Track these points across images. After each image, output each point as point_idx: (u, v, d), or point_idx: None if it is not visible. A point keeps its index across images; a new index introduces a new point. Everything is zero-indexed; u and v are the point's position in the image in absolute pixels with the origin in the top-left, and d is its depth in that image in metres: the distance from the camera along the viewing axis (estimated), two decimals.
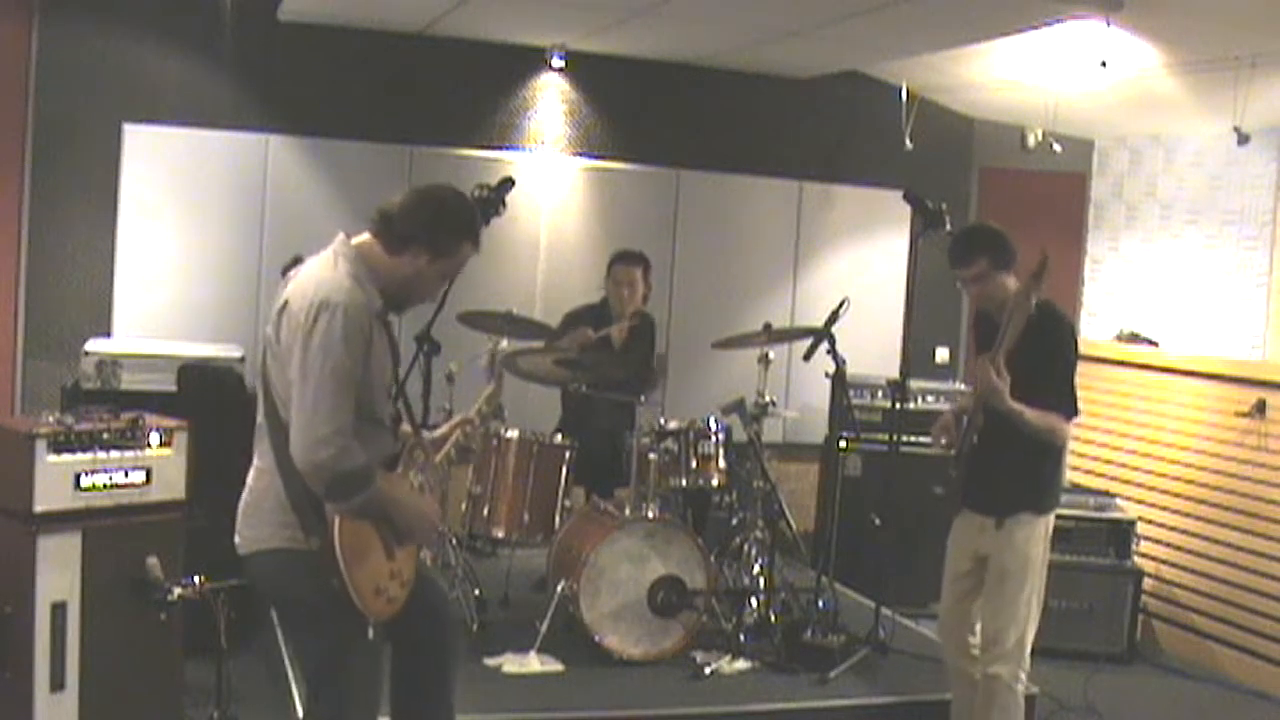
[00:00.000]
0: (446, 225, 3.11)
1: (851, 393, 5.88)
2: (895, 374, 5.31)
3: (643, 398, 5.47)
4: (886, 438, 5.95)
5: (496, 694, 4.59)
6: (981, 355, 4.10)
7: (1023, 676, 4.16)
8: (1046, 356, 4.06)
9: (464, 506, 5.42)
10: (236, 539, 3.12)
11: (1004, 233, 4.23)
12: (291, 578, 3.02)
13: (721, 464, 5.50)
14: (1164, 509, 6.24)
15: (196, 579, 3.91)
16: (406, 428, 3.27)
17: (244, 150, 6.50)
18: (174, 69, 6.41)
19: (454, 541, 5.44)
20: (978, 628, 4.25)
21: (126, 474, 4.03)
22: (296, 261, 3.16)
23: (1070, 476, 6.46)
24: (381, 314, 3.05)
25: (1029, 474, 4.14)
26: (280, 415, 2.98)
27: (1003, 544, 4.12)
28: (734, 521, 5.77)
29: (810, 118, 7.53)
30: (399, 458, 3.18)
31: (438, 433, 3.45)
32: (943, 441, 4.26)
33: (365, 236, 3.11)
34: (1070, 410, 4.12)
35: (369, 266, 3.05)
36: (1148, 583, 6.08)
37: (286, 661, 4.50)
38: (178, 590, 3.91)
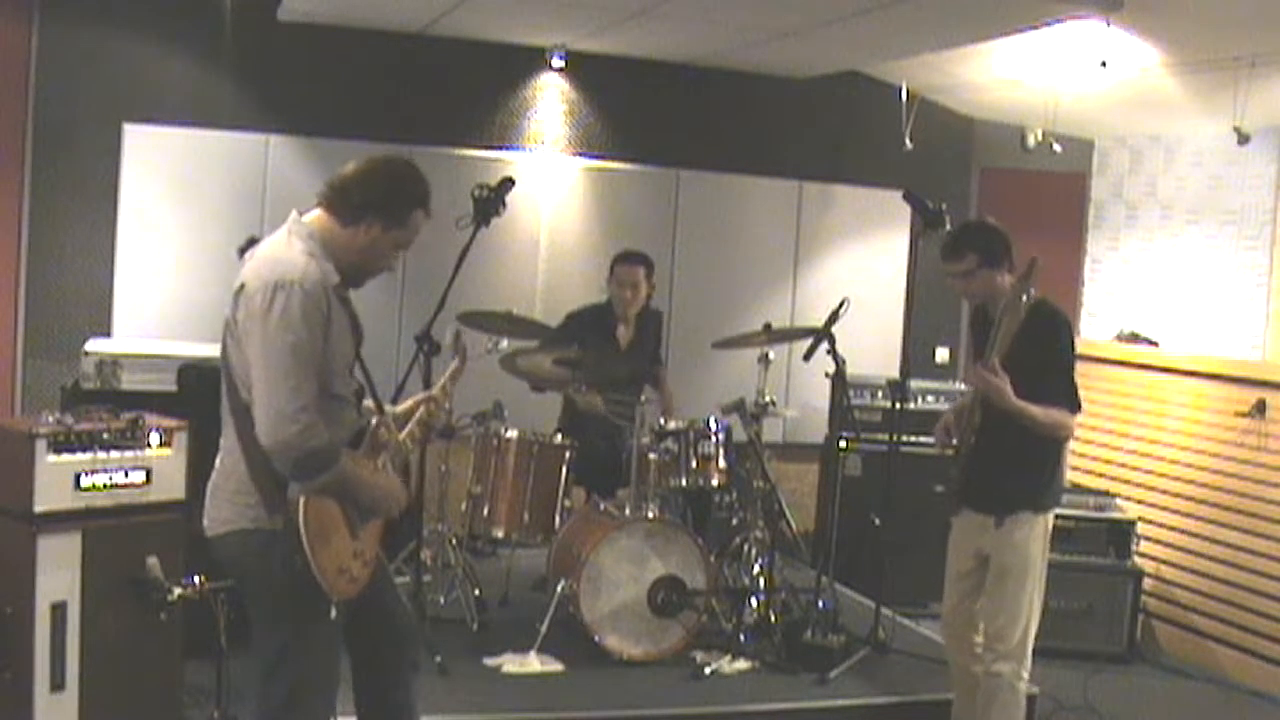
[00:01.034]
0: (399, 194, 3.11)
1: (851, 393, 5.88)
2: (895, 374, 5.32)
3: (643, 398, 5.47)
4: (886, 438, 5.94)
5: (496, 694, 4.59)
6: (978, 359, 4.10)
7: (1024, 675, 4.16)
8: (1044, 354, 4.06)
9: (464, 506, 5.42)
10: (204, 521, 3.11)
11: (999, 230, 4.22)
12: (255, 557, 3.02)
13: (721, 464, 5.50)
14: (1164, 509, 6.24)
15: (196, 579, 3.90)
16: (370, 403, 3.25)
17: (244, 150, 6.50)
18: (174, 69, 6.41)
19: (454, 541, 5.45)
20: (981, 627, 4.25)
21: (126, 474, 4.02)
22: (252, 242, 3.17)
23: (1070, 476, 6.45)
24: (339, 289, 3.04)
25: (1028, 472, 4.14)
26: (241, 397, 2.98)
27: (1002, 542, 4.13)
28: (734, 521, 5.77)
29: (810, 118, 7.53)
30: (363, 432, 3.17)
31: (401, 409, 3.43)
32: (949, 440, 4.25)
33: (317, 212, 3.11)
34: (1074, 405, 4.12)
35: (323, 241, 3.04)
36: (1148, 583, 6.07)
37: None
38: (178, 590, 3.90)
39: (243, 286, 2.98)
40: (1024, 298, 3.91)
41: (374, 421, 3.19)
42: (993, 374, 3.94)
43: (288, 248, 3.01)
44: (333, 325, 2.98)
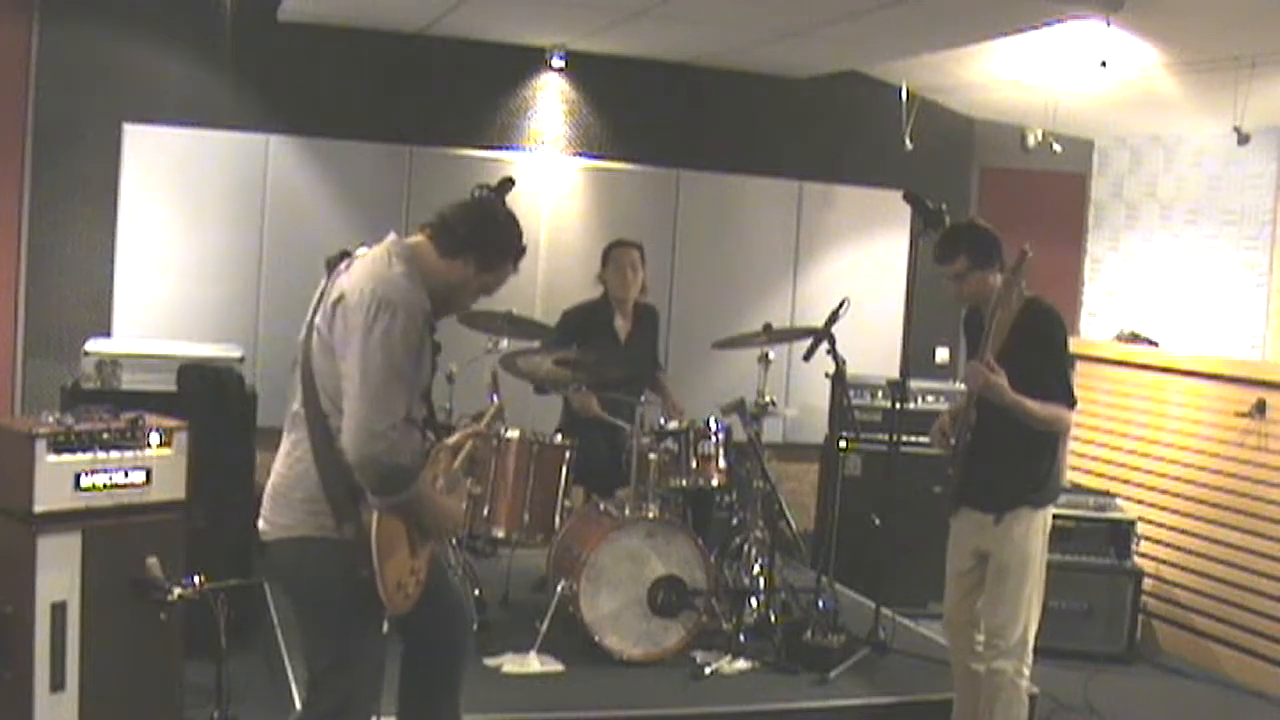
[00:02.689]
0: (499, 241, 3.19)
1: (851, 393, 5.87)
2: (895, 374, 5.32)
3: (643, 398, 5.46)
4: (886, 438, 5.94)
5: (496, 694, 4.58)
6: (972, 356, 4.11)
7: (1026, 672, 4.16)
8: (1039, 351, 4.06)
9: (464, 506, 5.41)
10: (261, 524, 3.14)
11: (988, 231, 4.22)
12: (316, 565, 3.05)
13: (721, 464, 5.50)
14: (1164, 509, 6.24)
15: (196, 579, 3.91)
16: (430, 433, 3.31)
17: (244, 150, 6.50)
18: (174, 69, 6.41)
19: (454, 541, 5.45)
20: (982, 625, 4.25)
21: (126, 474, 4.02)
22: (343, 255, 3.20)
23: (1070, 476, 6.46)
24: (430, 316, 3.09)
25: (1026, 469, 4.14)
26: (321, 405, 3.02)
27: (1001, 540, 4.13)
28: (734, 521, 5.77)
29: (810, 118, 7.53)
30: (427, 457, 3.21)
31: (451, 440, 3.48)
32: (947, 441, 4.25)
33: (418, 238, 3.16)
34: (1070, 401, 4.13)
35: (421, 267, 3.10)
36: (1148, 583, 6.07)
37: (286, 660, 4.50)
38: (178, 590, 3.91)
39: (341, 298, 3.01)
40: (1016, 290, 3.92)
41: (435, 448, 3.25)
42: (988, 369, 3.95)
43: (389, 267, 3.05)
44: (423, 350, 3.04)
